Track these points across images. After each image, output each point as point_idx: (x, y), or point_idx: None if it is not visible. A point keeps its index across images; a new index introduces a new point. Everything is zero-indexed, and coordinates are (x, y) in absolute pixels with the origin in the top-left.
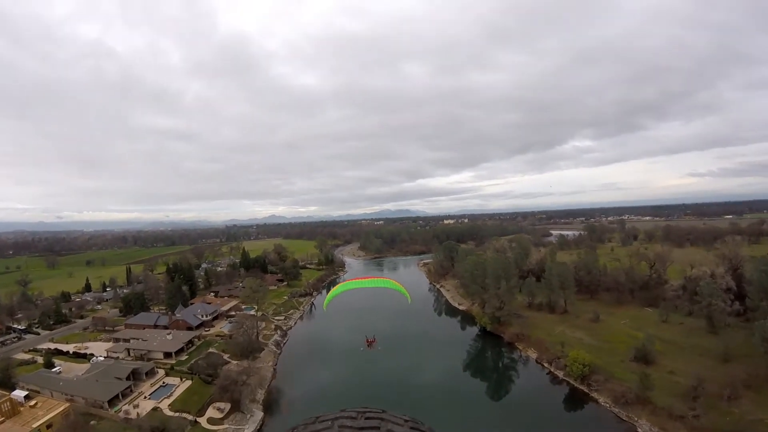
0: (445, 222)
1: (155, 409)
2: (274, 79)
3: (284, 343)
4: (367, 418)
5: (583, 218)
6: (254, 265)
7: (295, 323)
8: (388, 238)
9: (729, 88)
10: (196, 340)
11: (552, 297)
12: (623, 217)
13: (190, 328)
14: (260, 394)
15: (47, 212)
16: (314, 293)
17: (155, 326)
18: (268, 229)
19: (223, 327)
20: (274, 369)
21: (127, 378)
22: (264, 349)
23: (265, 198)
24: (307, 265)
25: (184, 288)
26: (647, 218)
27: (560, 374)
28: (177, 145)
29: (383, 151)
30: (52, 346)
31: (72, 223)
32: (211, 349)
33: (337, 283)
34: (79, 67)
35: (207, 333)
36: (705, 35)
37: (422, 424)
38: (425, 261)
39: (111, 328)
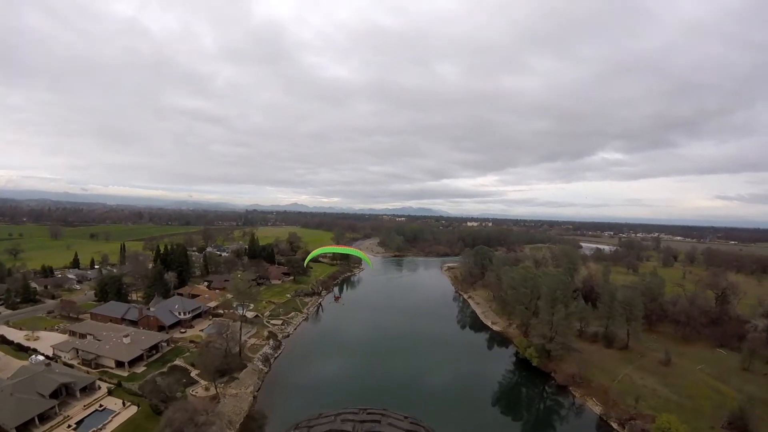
0: (469, 224)
1: None
2: (305, 69)
3: (276, 358)
4: (368, 413)
5: (611, 232)
6: (260, 254)
7: (295, 330)
8: (411, 236)
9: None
10: (165, 344)
11: (611, 327)
12: (655, 235)
13: (162, 328)
14: None
15: (73, 184)
16: (323, 293)
17: (122, 320)
18: (288, 216)
19: (204, 329)
20: (254, 396)
21: (54, 394)
22: (247, 366)
23: (289, 186)
24: (320, 259)
25: (170, 275)
26: (678, 238)
27: None
28: (206, 128)
29: (410, 149)
30: (1, 331)
31: (97, 196)
32: (177, 361)
33: (352, 282)
34: (113, 44)
35: (181, 336)
36: (747, 55)
37: (422, 421)
38: (450, 265)
39: (76, 316)
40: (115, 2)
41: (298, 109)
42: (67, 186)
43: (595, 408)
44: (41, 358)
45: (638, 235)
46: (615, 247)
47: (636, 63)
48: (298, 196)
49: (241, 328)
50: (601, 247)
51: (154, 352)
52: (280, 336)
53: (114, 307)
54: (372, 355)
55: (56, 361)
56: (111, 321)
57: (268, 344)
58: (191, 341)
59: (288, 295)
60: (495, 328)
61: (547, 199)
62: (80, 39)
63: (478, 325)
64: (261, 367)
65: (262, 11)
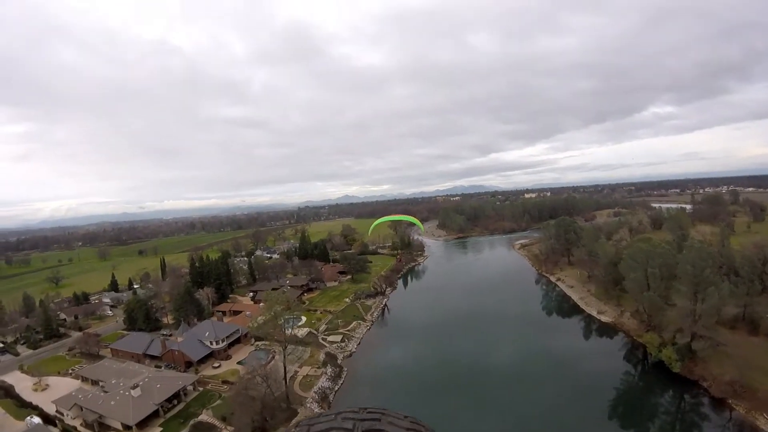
0: (526, 196)
1: None
2: (337, 61)
3: (336, 391)
4: (369, 413)
5: (677, 189)
6: (312, 253)
7: (358, 345)
8: (471, 214)
9: None
10: (191, 388)
11: (757, 307)
12: (727, 188)
13: (189, 364)
14: None
15: (130, 203)
16: (387, 290)
17: (145, 355)
18: (340, 209)
19: (244, 359)
20: None
21: None
22: (298, 413)
23: (337, 179)
24: (379, 250)
25: (204, 291)
26: (750, 189)
27: None
28: (248, 133)
29: (453, 127)
30: (10, 380)
31: (154, 212)
32: (204, 414)
33: (417, 273)
34: (146, 66)
35: (214, 372)
36: None
37: (422, 423)
38: (522, 242)
39: (96, 352)
40: (141, 26)
41: (335, 103)
42: (124, 206)
43: None
44: (36, 420)
45: (706, 189)
46: (691, 205)
47: (676, 7)
48: (348, 187)
49: (285, 361)
50: (673, 206)
51: (175, 402)
52: (340, 358)
53: (135, 340)
54: (454, 364)
55: (56, 424)
56: (133, 357)
57: (326, 373)
58: (224, 381)
59: (346, 300)
60: (603, 318)
61: (600, 162)
62: (113, 66)
63: (577, 315)
64: (317, 410)
65: (285, 11)
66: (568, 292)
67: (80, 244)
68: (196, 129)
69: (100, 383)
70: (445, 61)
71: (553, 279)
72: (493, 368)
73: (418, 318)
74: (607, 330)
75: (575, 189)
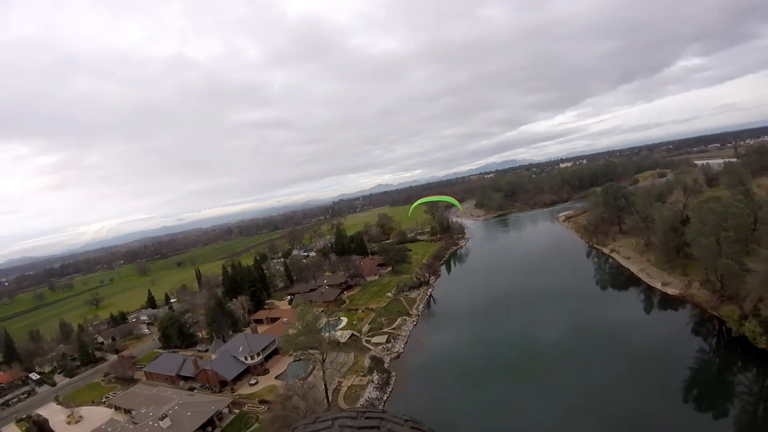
0: (562, 166)
1: None
2: (353, 52)
3: (384, 401)
4: (367, 418)
5: (718, 144)
6: (349, 247)
7: (405, 344)
8: (508, 190)
9: None
10: (226, 411)
11: None
12: (762, 138)
13: (224, 383)
14: None
15: (168, 216)
16: (431, 279)
17: (178, 377)
18: (375, 199)
19: (282, 372)
20: None
21: None
22: None
23: (369, 169)
24: (418, 237)
25: (238, 301)
26: None
27: None
28: (275, 134)
29: (479, 103)
30: (45, 413)
31: (192, 223)
32: None
33: (460, 256)
34: (165, 83)
35: (251, 389)
36: None
37: (422, 424)
38: (565, 214)
39: (131, 376)
40: (153, 44)
41: (357, 93)
42: (163, 220)
43: None
44: None
45: (747, 141)
46: (735, 159)
47: None
48: (381, 176)
49: (324, 375)
50: (728, 160)
51: (209, 429)
52: (387, 361)
53: (167, 362)
54: (508, 352)
55: None
56: (166, 379)
57: (372, 381)
58: (261, 401)
59: (389, 294)
60: (669, 290)
61: (633, 124)
62: (133, 88)
63: (636, 289)
64: None
65: (294, 9)
66: (625, 263)
67: (121, 262)
68: (224, 137)
69: (132, 412)
70: (460, 39)
71: (606, 251)
72: (552, 350)
73: (467, 306)
74: (674, 303)
75: (611, 154)
